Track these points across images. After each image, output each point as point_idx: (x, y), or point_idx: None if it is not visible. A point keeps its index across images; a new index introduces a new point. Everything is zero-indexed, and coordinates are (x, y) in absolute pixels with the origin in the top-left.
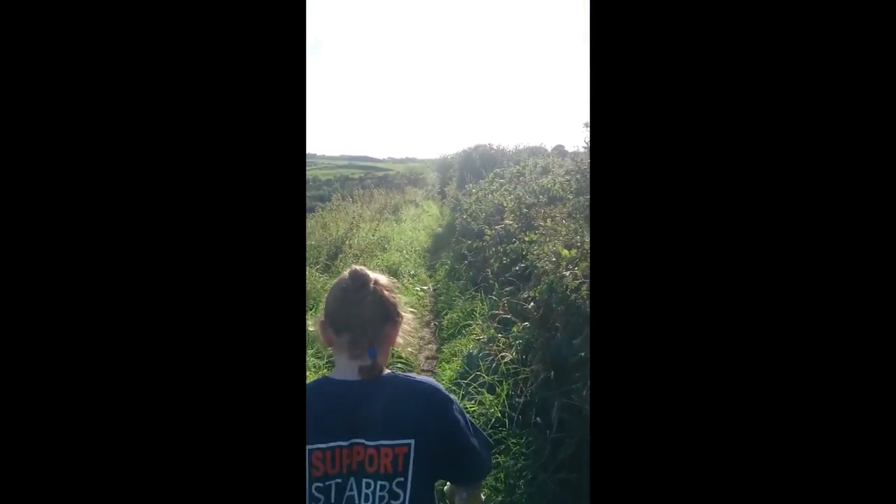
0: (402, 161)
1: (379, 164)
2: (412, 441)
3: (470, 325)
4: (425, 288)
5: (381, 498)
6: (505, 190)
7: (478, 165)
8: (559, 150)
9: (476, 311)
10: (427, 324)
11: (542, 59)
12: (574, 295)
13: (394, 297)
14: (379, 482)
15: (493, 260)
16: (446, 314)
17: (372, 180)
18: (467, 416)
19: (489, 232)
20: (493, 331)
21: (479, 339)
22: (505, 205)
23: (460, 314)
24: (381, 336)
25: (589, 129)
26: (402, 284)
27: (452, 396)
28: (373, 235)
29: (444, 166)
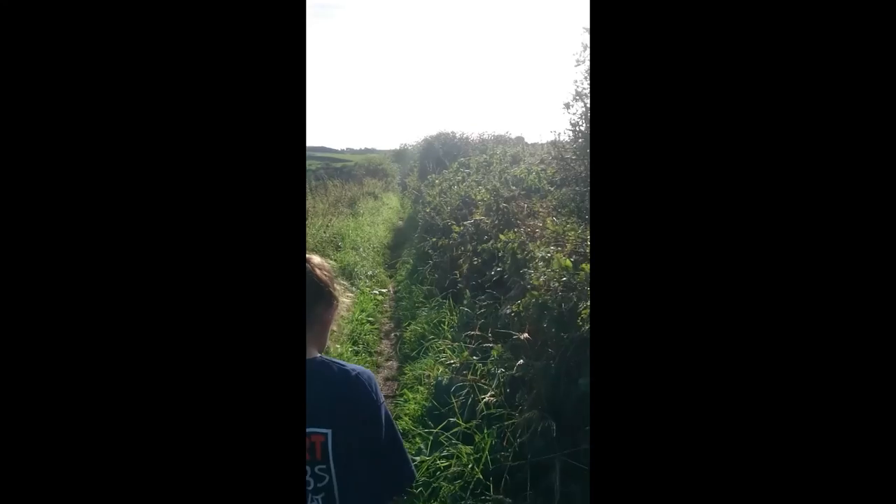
0: (361, 152)
1: (337, 155)
2: (329, 431)
3: (436, 340)
4: (384, 291)
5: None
6: (473, 181)
7: (440, 155)
8: (519, 141)
9: (444, 324)
10: (387, 334)
11: (504, 46)
12: (585, 325)
13: (327, 277)
14: None
15: (461, 261)
16: (408, 325)
17: (327, 171)
18: (395, 426)
19: (457, 229)
20: (466, 353)
21: (449, 364)
22: (474, 197)
23: (425, 325)
24: (311, 318)
25: (588, 111)
26: (359, 288)
27: (381, 395)
28: (325, 232)
29: (403, 156)
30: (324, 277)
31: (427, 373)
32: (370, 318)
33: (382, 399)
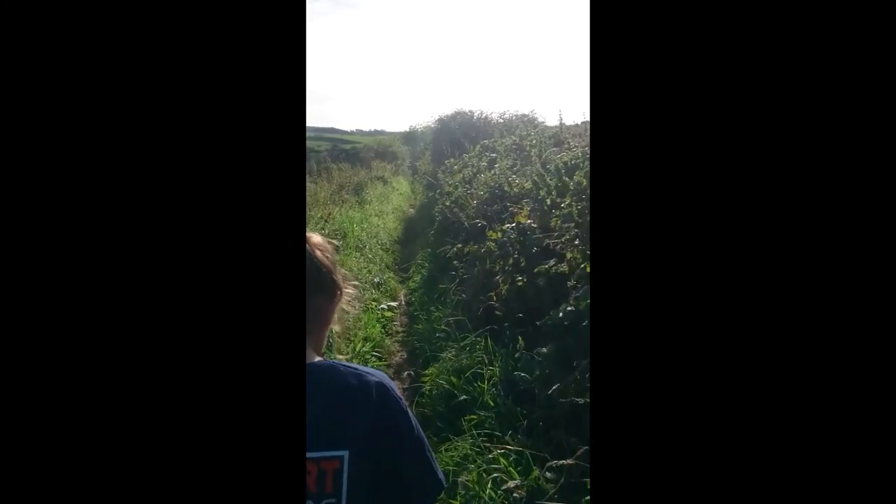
0: (370, 133)
1: (346, 137)
2: (345, 453)
3: (473, 412)
4: (394, 305)
5: None
6: (504, 167)
7: (458, 136)
8: (531, 121)
9: (482, 382)
10: (398, 372)
11: (519, 19)
12: None
13: (329, 262)
14: None
15: (499, 278)
16: (428, 370)
17: (333, 154)
18: (421, 431)
19: (494, 236)
20: (536, 474)
21: (505, 489)
22: (508, 189)
23: (453, 378)
24: (309, 310)
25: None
26: (363, 303)
27: (402, 398)
28: (324, 228)
29: (413, 138)
30: (325, 261)
31: (464, 479)
32: (377, 350)
33: (406, 404)
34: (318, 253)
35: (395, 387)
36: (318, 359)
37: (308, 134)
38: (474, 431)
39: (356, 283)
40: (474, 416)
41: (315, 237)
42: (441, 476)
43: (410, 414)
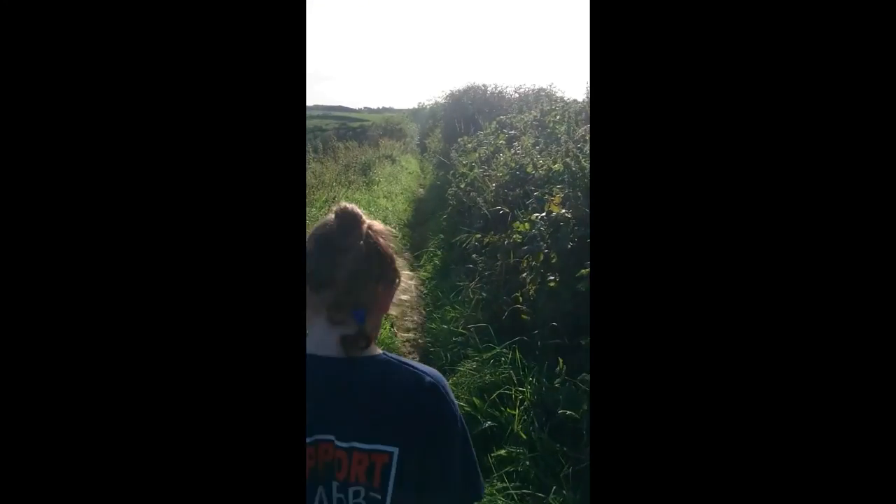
0: (378, 111)
1: (354, 115)
2: (396, 450)
3: (502, 443)
4: (404, 298)
5: None
6: (526, 145)
7: (471, 112)
8: (545, 95)
9: (513, 406)
10: None
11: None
12: None
13: (391, 250)
14: (351, 489)
15: (526, 275)
16: (451, 378)
17: (339, 132)
18: (468, 436)
19: (522, 228)
20: None
21: None
22: (532, 171)
23: (475, 398)
24: (371, 298)
25: None
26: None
27: (455, 401)
28: (329, 213)
29: (421, 115)
30: (388, 249)
31: None
32: (409, 273)
33: (457, 408)
34: (381, 241)
35: (449, 388)
36: (378, 351)
37: (316, 112)
38: (504, 476)
39: (410, 272)
40: (503, 451)
41: (377, 224)
42: (482, 487)
43: (461, 419)
